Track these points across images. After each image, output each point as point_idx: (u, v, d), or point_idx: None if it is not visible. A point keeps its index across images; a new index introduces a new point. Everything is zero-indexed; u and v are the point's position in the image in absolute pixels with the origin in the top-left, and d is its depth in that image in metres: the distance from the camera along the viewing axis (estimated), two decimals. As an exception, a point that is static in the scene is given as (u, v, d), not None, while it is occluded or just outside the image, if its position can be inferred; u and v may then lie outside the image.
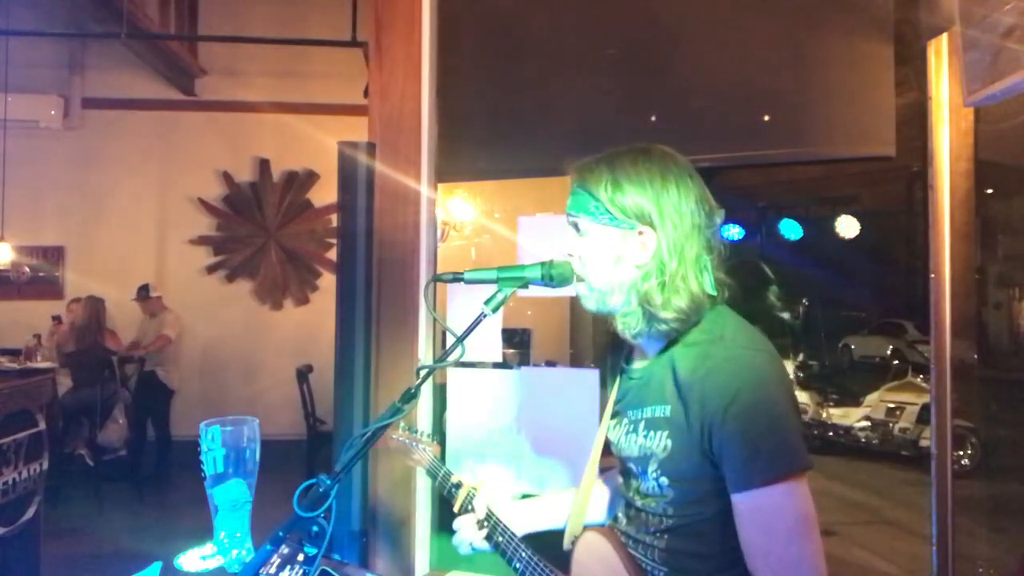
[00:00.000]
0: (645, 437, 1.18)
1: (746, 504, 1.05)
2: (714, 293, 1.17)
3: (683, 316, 1.14)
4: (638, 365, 1.27)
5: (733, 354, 1.10)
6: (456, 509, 1.52)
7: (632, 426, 1.23)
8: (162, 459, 6.03)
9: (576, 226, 1.22)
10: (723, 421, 1.05)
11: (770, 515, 1.04)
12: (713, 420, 1.07)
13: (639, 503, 1.22)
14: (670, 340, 1.19)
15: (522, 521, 1.46)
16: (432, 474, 1.63)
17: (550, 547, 1.40)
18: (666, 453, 1.14)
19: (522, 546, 1.38)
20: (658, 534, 1.18)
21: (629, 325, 1.19)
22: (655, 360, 1.21)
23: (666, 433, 1.14)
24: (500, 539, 1.41)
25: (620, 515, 1.30)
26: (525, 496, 1.60)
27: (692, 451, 1.10)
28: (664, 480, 1.15)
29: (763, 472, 1.03)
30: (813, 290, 10.89)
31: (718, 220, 1.19)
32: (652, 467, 1.16)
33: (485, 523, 1.44)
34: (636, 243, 1.16)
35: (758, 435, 1.04)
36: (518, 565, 1.36)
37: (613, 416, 1.31)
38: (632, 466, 1.23)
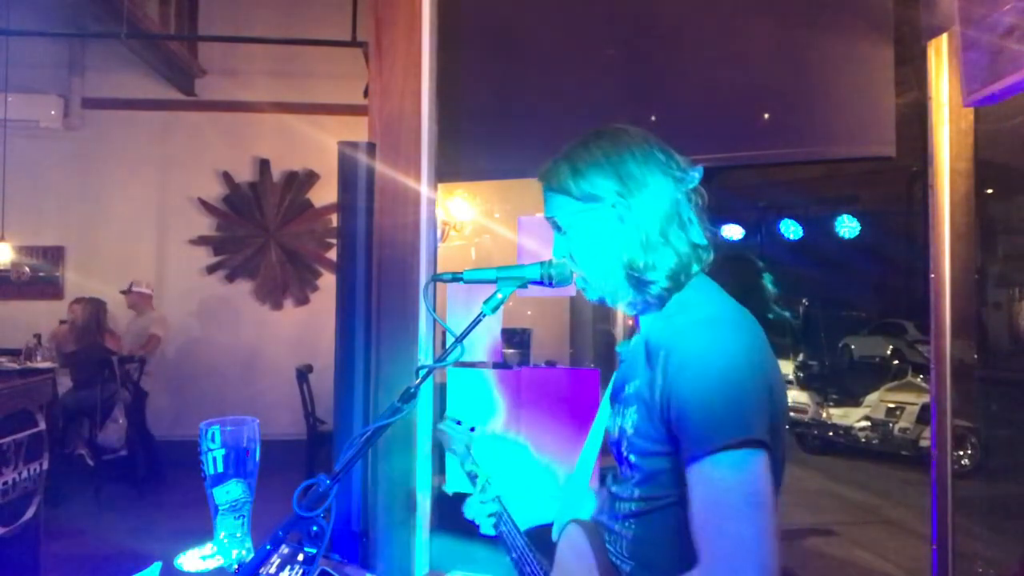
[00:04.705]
0: (622, 416, 1.18)
1: (694, 476, 1.00)
2: (703, 243, 1.17)
3: (670, 274, 1.14)
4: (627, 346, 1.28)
5: (695, 318, 1.09)
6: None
7: (618, 408, 1.23)
8: (149, 461, 5.98)
9: (557, 225, 1.24)
10: (679, 388, 1.03)
11: (716, 487, 0.98)
12: (670, 387, 1.04)
13: (614, 488, 1.21)
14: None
15: (530, 518, 1.50)
16: (461, 462, 1.68)
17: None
18: (633, 428, 1.13)
19: (519, 536, 1.42)
20: (627, 522, 1.16)
21: (622, 297, 1.20)
22: (637, 336, 1.22)
23: (634, 408, 1.13)
24: (503, 528, 1.47)
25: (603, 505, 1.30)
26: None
27: (655, 423, 1.08)
28: (632, 457, 1.14)
29: (711, 439, 0.98)
30: (813, 290, 10.88)
31: (694, 174, 1.20)
32: (624, 445, 1.16)
33: (493, 513, 1.51)
34: (612, 218, 1.17)
35: (710, 401, 1.00)
36: (514, 555, 1.42)
37: (612, 405, 1.30)
38: (613, 450, 1.22)
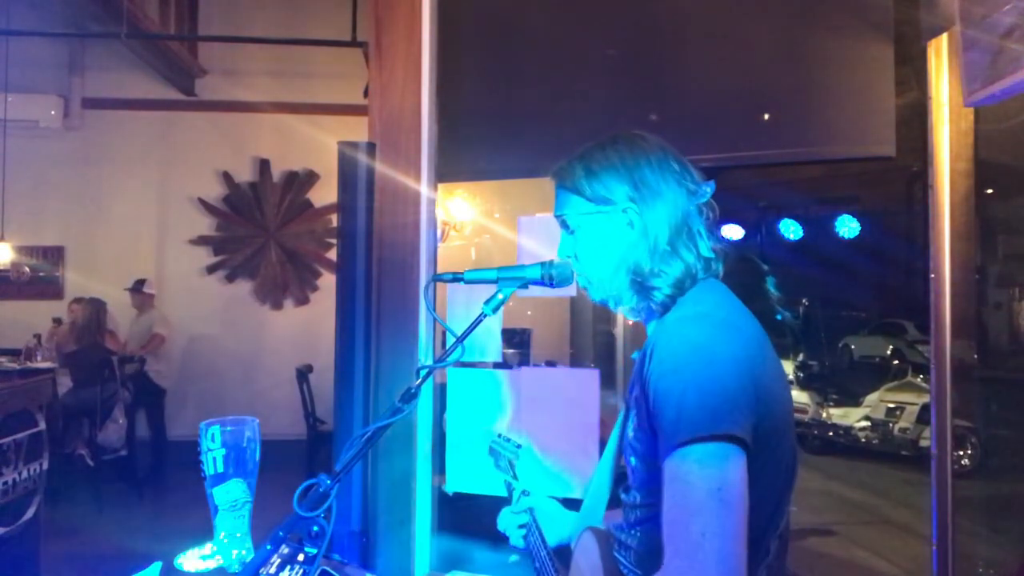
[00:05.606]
0: (627, 421, 1.18)
1: (665, 472, 0.98)
2: (711, 255, 1.18)
3: (674, 283, 1.14)
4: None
5: (681, 315, 1.10)
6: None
7: (625, 414, 1.22)
8: (157, 459, 6.03)
9: (565, 224, 1.24)
10: (655, 382, 1.02)
11: (682, 482, 0.95)
12: (648, 382, 1.04)
13: (623, 496, 1.21)
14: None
15: (561, 531, 1.49)
16: (504, 477, 1.69)
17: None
18: (632, 432, 1.13)
19: (543, 547, 1.43)
20: (632, 530, 1.16)
21: (625, 302, 1.20)
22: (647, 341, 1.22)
23: (634, 411, 1.13)
24: (531, 539, 1.47)
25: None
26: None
27: (643, 423, 1.07)
28: (632, 460, 1.14)
29: (679, 432, 0.96)
30: (813, 290, 10.88)
31: (706, 187, 1.20)
32: (627, 450, 1.16)
33: (523, 524, 1.51)
34: (622, 222, 1.18)
35: (681, 393, 0.98)
36: (536, 564, 1.42)
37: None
38: (624, 457, 1.22)
